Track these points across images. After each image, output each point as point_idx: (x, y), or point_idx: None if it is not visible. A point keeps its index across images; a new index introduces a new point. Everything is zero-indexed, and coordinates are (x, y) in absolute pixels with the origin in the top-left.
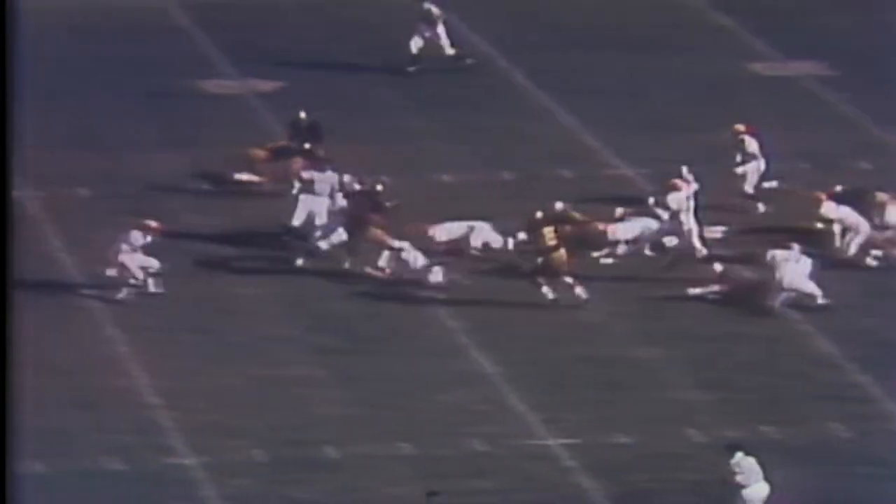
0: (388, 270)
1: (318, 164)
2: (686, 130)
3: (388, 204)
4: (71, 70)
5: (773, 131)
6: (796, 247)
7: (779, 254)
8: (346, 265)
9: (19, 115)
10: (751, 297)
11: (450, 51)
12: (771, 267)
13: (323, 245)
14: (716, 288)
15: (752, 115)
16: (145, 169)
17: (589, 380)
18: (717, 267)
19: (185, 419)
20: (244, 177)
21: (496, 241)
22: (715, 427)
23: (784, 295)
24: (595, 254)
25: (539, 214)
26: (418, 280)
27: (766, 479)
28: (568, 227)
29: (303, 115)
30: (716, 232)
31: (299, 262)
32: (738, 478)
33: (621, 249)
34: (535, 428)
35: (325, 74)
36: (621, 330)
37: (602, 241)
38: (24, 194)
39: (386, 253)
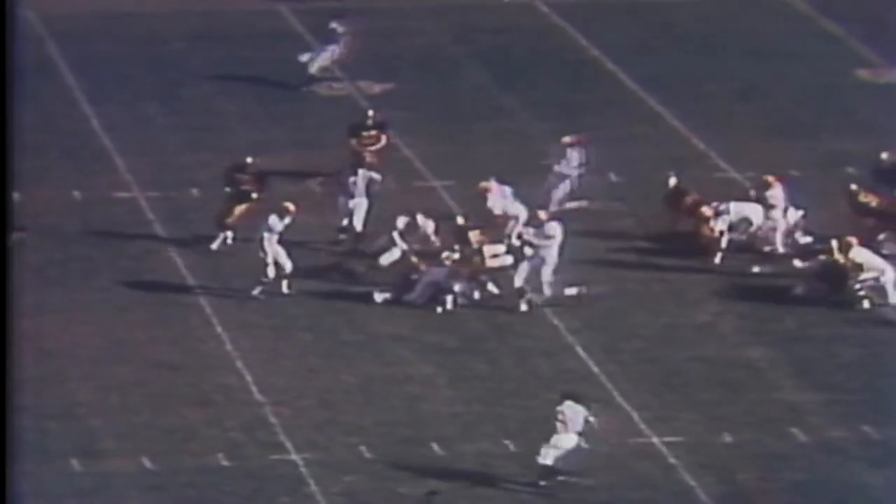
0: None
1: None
2: (794, 135)
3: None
4: (184, 71)
5: (879, 137)
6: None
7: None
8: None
9: (137, 120)
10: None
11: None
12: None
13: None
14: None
15: (858, 120)
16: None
17: (695, 379)
18: (798, 263)
19: (295, 416)
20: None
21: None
22: (821, 427)
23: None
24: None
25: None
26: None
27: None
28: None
29: (371, 112)
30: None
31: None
32: (558, 424)
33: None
34: (640, 426)
35: (434, 77)
36: (729, 330)
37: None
38: (135, 195)
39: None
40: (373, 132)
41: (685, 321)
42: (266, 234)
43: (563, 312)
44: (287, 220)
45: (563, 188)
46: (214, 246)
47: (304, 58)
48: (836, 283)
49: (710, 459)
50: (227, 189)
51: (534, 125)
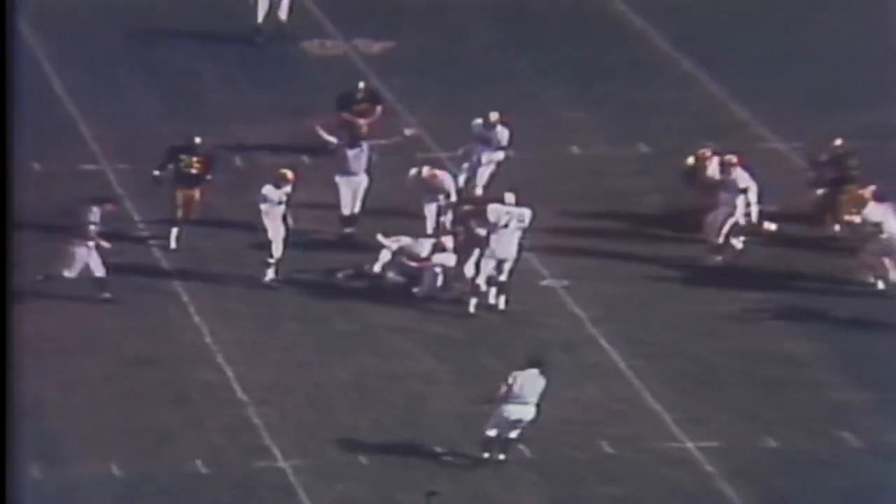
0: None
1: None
2: (842, 104)
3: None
4: (157, 27)
5: None
6: None
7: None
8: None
9: (105, 83)
10: None
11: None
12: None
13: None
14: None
15: None
16: (246, 138)
17: (733, 376)
18: (771, 226)
19: (282, 417)
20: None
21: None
22: (873, 430)
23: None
24: None
25: None
26: None
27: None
28: None
29: (362, 85)
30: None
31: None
32: (506, 389)
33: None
34: (672, 429)
35: (440, 36)
36: (770, 323)
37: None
38: (102, 168)
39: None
40: (364, 105)
41: (721, 310)
42: (263, 207)
43: (585, 300)
44: (286, 188)
45: (489, 168)
46: (173, 244)
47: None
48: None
49: (749, 466)
50: (158, 172)
51: (550, 91)
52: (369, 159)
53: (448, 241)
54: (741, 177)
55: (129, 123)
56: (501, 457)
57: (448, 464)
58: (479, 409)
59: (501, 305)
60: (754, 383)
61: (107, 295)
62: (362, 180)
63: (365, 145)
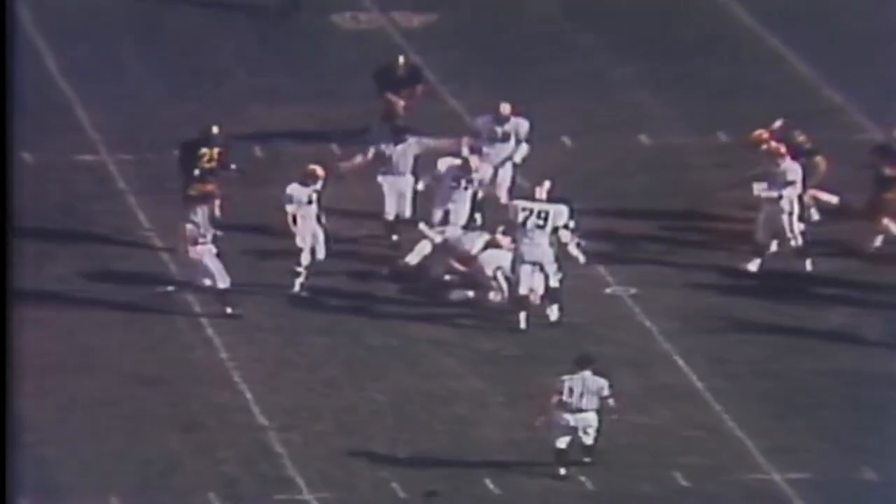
0: None
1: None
2: None
3: None
4: (175, 6)
5: None
6: None
7: None
8: None
9: (106, 62)
10: None
11: None
12: None
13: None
14: None
15: None
16: (267, 124)
17: (828, 400)
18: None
19: (307, 444)
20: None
21: None
22: None
23: None
24: None
25: None
26: None
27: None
28: None
29: (402, 59)
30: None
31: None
32: (557, 400)
33: None
34: (757, 459)
35: (488, 7)
36: (871, 336)
37: None
38: (102, 159)
39: None
40: (405, 84)
41: (814, 325)
42: (290, 208)
43: (656, 311)
44: (316, 185)
45: (508, 167)
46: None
47: None
48: None
49: (845, 501)
50: (188, 172)
51: (616, 71)
52: (416, 157)
53: (503, 239)
54: (791, 168)
55: (133, 107)
56: (587, 459)
57: (499, 498)
58: (533, 434)
59: (553, 316)
60: (852, 408)
61: (230, 310)
62: (409, 181)
63: (412, 141)
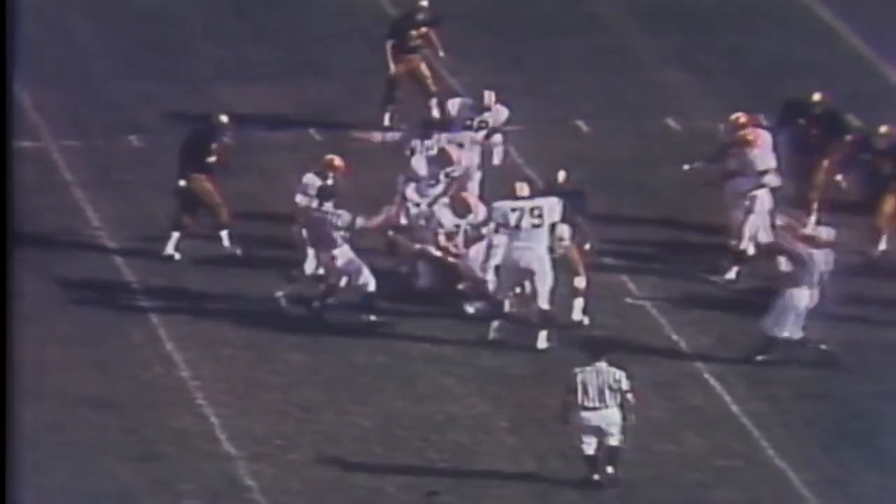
0: None
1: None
2: None
3: None
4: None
5: None
6: None
7: None
8: None
9: (54, 36)
10: None
11: None
12: None
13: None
14: None
15: None
16: (236, 104)
17: (881, 425)
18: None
19: (281, 476)
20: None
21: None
22: None
23: None
24: None
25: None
26: None
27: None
28: None
29: (425, 2)
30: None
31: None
32: (572, 397)
33: None
34: (802, 492)
35: None
36: None
37: None
38: (45, 145)
39: None
40: (423, 30)
41: (869, 339)
42: (300, 199)
43: (685, 324)
44: (328, 181)
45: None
46: (170, 250)
47: None
48: None
49: None
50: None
51: (643, 44)
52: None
53: (469, 196)
54: (760, 157)
55: (81, 85)
56: (610, 470)
57: None
58: (546, 464)
59: (541, 344)
60: None
61: (374, 318)
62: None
63: (443, 137)
